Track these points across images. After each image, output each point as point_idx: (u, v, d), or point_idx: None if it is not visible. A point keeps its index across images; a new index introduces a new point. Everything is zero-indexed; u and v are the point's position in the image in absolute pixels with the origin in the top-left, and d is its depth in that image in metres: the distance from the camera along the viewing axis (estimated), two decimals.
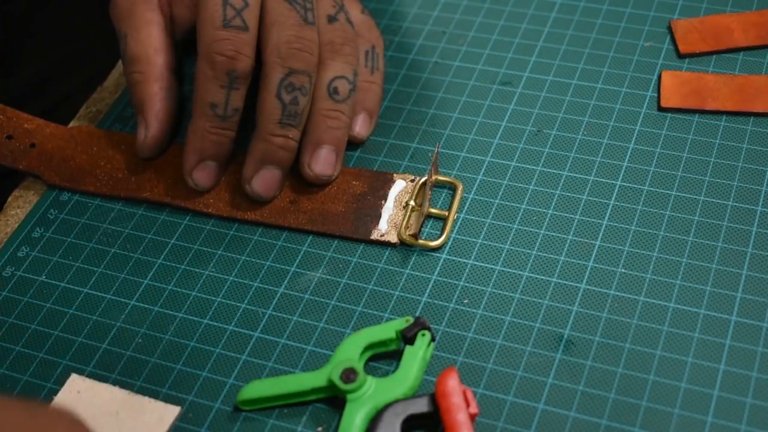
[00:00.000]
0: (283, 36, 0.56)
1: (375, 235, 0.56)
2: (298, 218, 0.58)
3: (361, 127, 0.60)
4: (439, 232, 0.56)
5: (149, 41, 0.60)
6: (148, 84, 0.60)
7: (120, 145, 0.62)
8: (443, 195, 0.58)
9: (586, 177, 0.58)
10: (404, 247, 0.56)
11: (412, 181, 0.58)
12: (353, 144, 0.61)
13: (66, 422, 0.43)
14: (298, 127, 0.57)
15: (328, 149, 0.58)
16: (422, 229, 0.56)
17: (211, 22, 0.55)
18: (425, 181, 0.58)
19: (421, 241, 0.55)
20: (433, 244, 0.55)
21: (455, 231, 0.56)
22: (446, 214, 0.57)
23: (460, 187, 0.58)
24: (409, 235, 0.56)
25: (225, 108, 0.56)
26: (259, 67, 0.57)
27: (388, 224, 0.57)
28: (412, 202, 0.57)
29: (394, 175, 0.59)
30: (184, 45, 0.61)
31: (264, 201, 0.58)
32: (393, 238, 0.56)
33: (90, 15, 0.77)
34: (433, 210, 0.57)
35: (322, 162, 0.58)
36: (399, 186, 0.58)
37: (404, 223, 0.56)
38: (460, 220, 0.57)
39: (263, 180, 0.57)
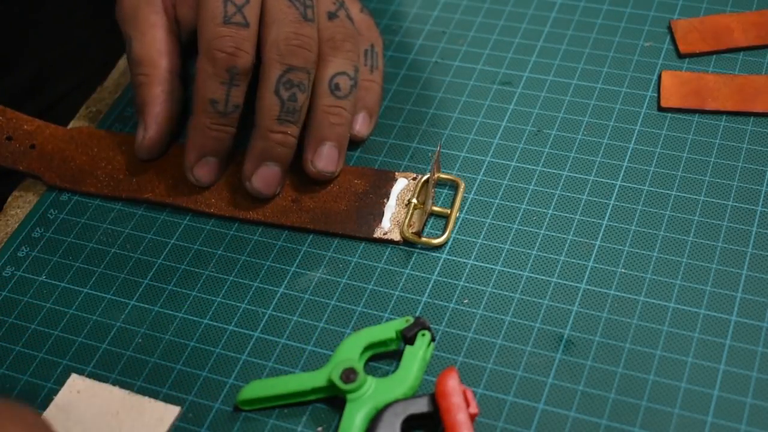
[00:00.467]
0: (282, 33, 0.56)
1: (378, 234, 0.56)
2: (300, 217, 0.58)
3: (361, 126, 0.61)
4: (439, 231, 0.56)
5: (154, 44, 0.60)
6: (151, 86, 0.60)
7: (120, 146, 0.62)
8: (444, 193, 0.58)
9: (586, 177, 0.58)
10: (406, 245, 0.56)
11: (414, 179, 0.58)
12: (354, 143, 0.61)
13: (21, 422, 0.43)
14: (296, 123, 0.57)
15: (331, 145, 0.58)
16: (424, 227, 0.56)
17: (212, 18, 0.55)
18: (427, 179, 0.58)
19: (424, 239, 0.55)
20: (436, 241, 0.55)
21: (455, 231, 0.56)
22: (448, 212, 0.57)
23: (462, 186, 0.58)
24: (412, 233, 0.56)
25: (225, 104, 0.56)
26: (259, 64, 0.57)
27: (391, 222, 0.57)
28: (414, 200, 0.57)
29: (396, 173, 0.59)
30: (189, 47, 0.61)
31: (264, 198, 0.58)
32: (396, 236, 0.56)
33: (85, 14, 0.77)
34: (435, 208, 0.57)
35: (325, 158, 0.58)
36: (401, 184, 0.58)
37: (407, 221, 0.56)
38: (461, 219, 0.57)
39: (263, 177, 0.57)
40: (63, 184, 0.61)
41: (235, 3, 0.56)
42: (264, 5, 0.57)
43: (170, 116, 0.60)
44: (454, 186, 0.58)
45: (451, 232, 0.56)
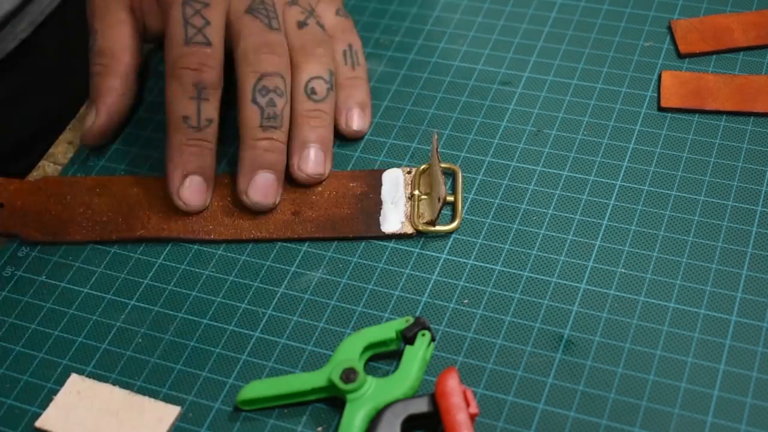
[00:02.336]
0: (250, 44, 0.58)
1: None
2: (305, 228, 0.57)
3: (357, 121, 0.61)
4: (446, 219, 0.56)
5: (119, 39, 0.62)
6: (108, 77, 0.61)
7: (95, 189, 0.60)
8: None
9: (586, 177, 0.58)
10: (417, 237, 0.56)
11: (409, 172, 0.59)
12: (354, 140, 0.61)
13: None
14: (280, 128, 0.57)
15: (315, 148, 0.58)
16: (439, 214, 0.56)
17: (174, 41, 0.57)
18: (424, 169, 0.58)
19: (437, 227, 0.55)
20: (449, 227, 0.55)
21: (456, 231, 0.56)
22: (452, 198, 0.57)
23: (459, 171, 0.58)
24: (423, 223, 0.56)
25: (198, 119, 0.57)
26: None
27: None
28: (416, 192, 0.57)
29: (390, 169, 0.59)
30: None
31: (264, 209, 0.57)
32: (408, 229, 0.56)
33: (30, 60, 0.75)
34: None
35: (312, 162, 0.58)
36: None
37: (415, 212, 0.56)
38: (466, 206, 0.57)
39: (258, 187, 0.57)
40: (44, 237, 0.58)
41: (195, 25, 0.57)
42: (228, 25, 0.59)
43: (122, 110, 0.62)
44: (451, 173, 0.58)
45: (461, 216, 0.56)
